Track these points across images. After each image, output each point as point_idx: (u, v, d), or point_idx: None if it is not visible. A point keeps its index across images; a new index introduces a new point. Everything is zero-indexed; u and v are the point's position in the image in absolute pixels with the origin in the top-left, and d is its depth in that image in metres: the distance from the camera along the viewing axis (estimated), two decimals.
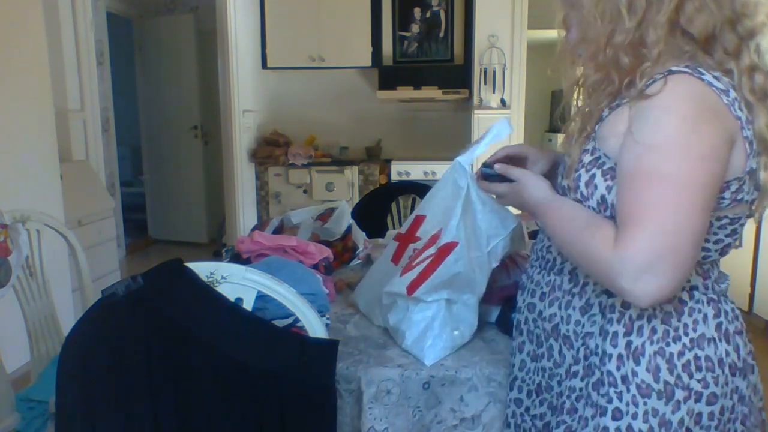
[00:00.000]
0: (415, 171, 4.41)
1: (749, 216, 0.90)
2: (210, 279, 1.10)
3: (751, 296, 3.45)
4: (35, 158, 2.98)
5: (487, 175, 1.10)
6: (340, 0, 4.53)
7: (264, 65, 4.70)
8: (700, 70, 0.83)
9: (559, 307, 0.99)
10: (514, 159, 1.15)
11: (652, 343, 0.89)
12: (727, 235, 0.90)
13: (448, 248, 1.20)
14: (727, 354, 0.91)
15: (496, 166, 1.09)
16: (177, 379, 1.04)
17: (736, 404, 0.92)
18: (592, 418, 0.92)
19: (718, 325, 0.91)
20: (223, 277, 1.11)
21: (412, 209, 2.74)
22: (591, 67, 0.93)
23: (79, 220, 3.58)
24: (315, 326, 1.13)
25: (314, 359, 1.09)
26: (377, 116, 4.91)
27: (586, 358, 0.95)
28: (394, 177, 4.44)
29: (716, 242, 0.90)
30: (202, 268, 1.09)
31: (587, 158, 0.92)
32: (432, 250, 1.22)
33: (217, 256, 4.29)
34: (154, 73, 5.46)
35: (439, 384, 1.15)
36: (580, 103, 0.99)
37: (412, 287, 1.21)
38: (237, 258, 1.56)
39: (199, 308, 1.06)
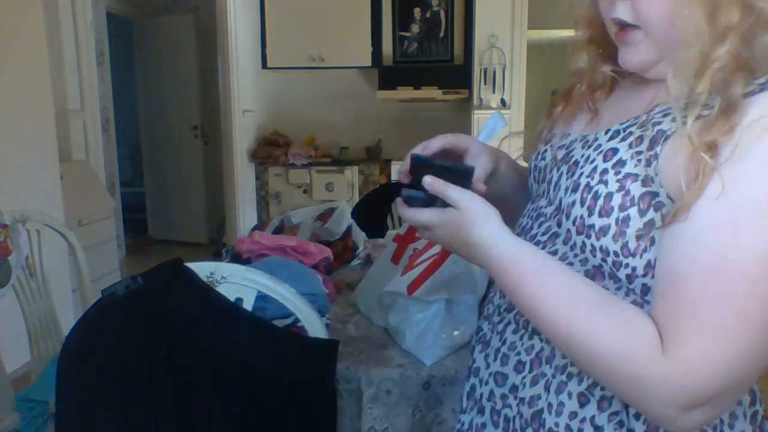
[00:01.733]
0: None
1: None
2: (210, 279, 1.10)
3: None
4: (35, 158, 2.98)
5: (410, 198, 0.71)
6: (340, 0, 4.53)
7: (264, 65, 4.70)
8: None
9: (546, 389, 0.69)
10: (451, 152, 0.81)
11: None
12: None
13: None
14: None
15: (425, 180, 0.69)
16: (177, 379, 1.04)
17: None
18: None
19: (753, 415, 0.69)
20: (223, 277, 1.11)
21: None
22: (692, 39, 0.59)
23: (79, 220, 3.58)
24: (315, 326, 1.13)
25: (314, 359, 1.09)
26: (377, 116, 4.91)
27: None
28: (394, 177, 4.44)
29: None
30: (202, 268, 1.09)
31: (638, 190, 0.61)
32: (435, 250, 1.22)
33: (217, 256, 4.29)
34: (154, 73, 5.47)
35: (439, 384, 1.15)
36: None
37: (413, 287, 1.21)
38: (237, 258, 1.56)
39: (199, 308, 1.06)
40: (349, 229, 1.92)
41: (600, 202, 0.63)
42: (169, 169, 5.56)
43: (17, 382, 1.85)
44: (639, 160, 0.62)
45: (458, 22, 4.55)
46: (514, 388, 0.73)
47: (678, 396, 0.55)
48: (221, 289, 1.09)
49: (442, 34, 4.59)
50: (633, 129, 0.65)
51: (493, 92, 4.23)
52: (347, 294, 1.60)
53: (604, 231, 0.63)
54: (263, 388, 1.07)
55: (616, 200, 0.62)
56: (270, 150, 4.59)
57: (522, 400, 0.72)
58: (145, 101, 5.60)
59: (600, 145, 0.67)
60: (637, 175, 0.62)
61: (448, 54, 4.60)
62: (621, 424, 0.65)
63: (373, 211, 2.69)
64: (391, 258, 1.39)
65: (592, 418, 0.66)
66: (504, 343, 0.75)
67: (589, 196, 0.64)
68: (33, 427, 1.54)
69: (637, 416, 0.65)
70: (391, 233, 2.35)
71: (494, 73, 4.20)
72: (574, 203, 0.66)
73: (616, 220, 0.62)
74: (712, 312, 0.54)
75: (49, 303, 1.80)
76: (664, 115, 0.63)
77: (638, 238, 0.61)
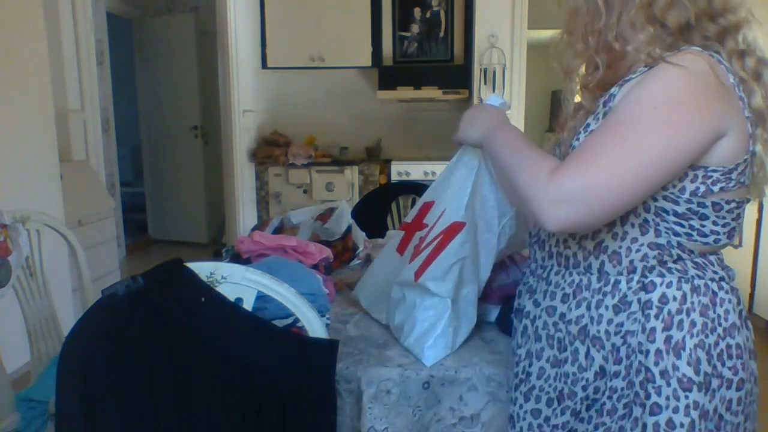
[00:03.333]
0: (415, 171, 4.41)
1: (747, 198, 0.94)
2: (210, 279, 1.10)
3: (751, 296, 3.45)
4: (35, 158, 2.98)
5: None
6: (340, 0, 4.53)
7: (264, 65, 4.70)
8: (711, 51, 0.87)
9: (588, 308, 0.95)
10: None
11: (692, 336, 0.89)
12: (734, 218, 0.92)
13: (455, 230, 1.19)
14: (748, 339, 0.94)
15: None
16: (177, 379, 1.04)
17: (753, 386, 0.96)
18: (641, 416, 0.91)
19: (740, 313, 0.94)
20: (223, 277, 1.11)
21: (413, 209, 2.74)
22: (572, 55, 0.98)
23: (79, 220, 3.58)
24: (315, 326, 1.13)
25: (314, 359, 1.09)
26: (377, 116, 4.91)
27: (627, 357, 0.93)
28: (394, 177, 4.44)
29: (724, 225, 0.91)
30: (202, 268, 1.09)
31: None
32: (438, 230, 1.22)
33: (217, 256, 4.29)
34: (154, 73, 5.47)
35: (439, 384, 1.15)
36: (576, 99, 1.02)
37: (419, 272, 1.21)
38: (237, 258, 1.56)
39: (199, 308, 1.06)
40: (349, 229, 1.92)
41: (570, 150, 0.96)
42: (169, 169, 5.56)
43: (17, 382, 1.85)
44: (595, 120, 0.93)
45: (458, 22, 4.55)
46: (562, 315, 0.99)
47: (547, 192, 0.83)
48: (221, 289, 1.09)
49: (442, 34, 4.59)
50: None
51: (493, 92, 4.23)
52: (347, 294, 1.60)
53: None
54: (263, 388, 1.07)
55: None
56: (270, 150, 4.59)
57: (569, 321, 0.97)
58: (145, 101, 5.60)
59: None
60: (594, 130, 0.92)
61: (448, 54, 4.60)
62: (636, 320, 0.92)
63: (373, 211, 2.69)
64: (396, 248, 1.38)
65: (620, 322, 0.93)
66: (550, 284, 1.01)
67: (570, 150, 0.97)
68: (33, 427, 1.54)
69: (656, 316, 0.91)
70: (391, 233, 2.35)
71: (494, 73, 4.20)
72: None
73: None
74: (585, 148, 0.85)
75: (49, 303, 1.80)
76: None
77: None
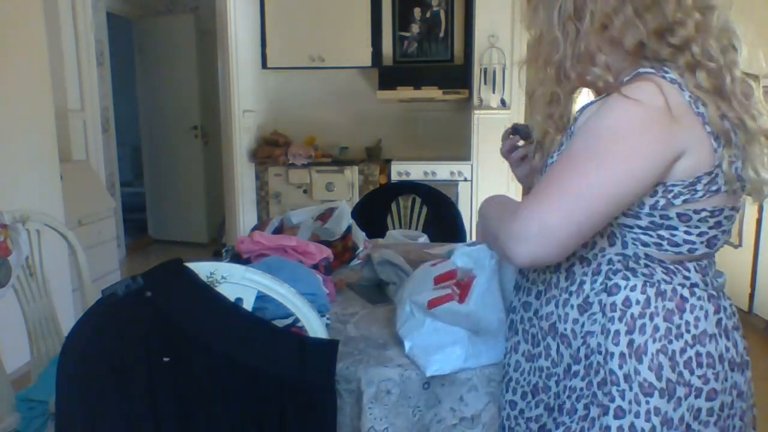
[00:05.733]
0: (415, 171, 4.41)
1: (732, 206, 0.92)
2: (210, 279, 1.10)
3: (751, 296, 3.45)
4: (35, 158, 2.98)
5: (517, 129, 1.24)
6: (340, 0, 4.53)
7: (264, 65, 4.70)
8: (665, 69, 0.89)
9: (556, 306, 0.98)
10: None
11: (654, 341, 0.89)
12: (710, 227, 0.90)
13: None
14: (727, 350, 0.92)
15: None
16: (177, 380, 1.04)
17: (735, 400, 0.93)
18: (598, 417, 0.91)
19: (718, 321, 0.92)
20: (223, 277, 1.11)
21: (412, 209, 2.74)
22: (536, 83, 1.01)
23: (79, 220, 3.58)
24: (315, 326, 1.13)
25: (314, 359, 1.09)
26: (377, 116, 4.91)
27: (587, 357, 0.94)
28: (394, 177, 4.44)
29: (700, 234, 0.90)
30: (202, 268, 1.09)
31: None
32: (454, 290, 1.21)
33: (217, 256, 4.29)
34: (154, 72, 5.47)
35: (439, 384, 1.15)
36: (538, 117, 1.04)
37: (433, 304, 1.19)
38: (237, 258, 1.56)
39: (199, 308, 1.07)
40: (349, 229, 1.92)
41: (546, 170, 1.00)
42: (169, 169, 5.56)
43: (17, 382, 1.85)
44: (567, 139, 0.96)
45: (458, 22, 4.55)
46: (536, 311, 1.02)
47: (510, 230, 0.86)
48: (221, 289, 1.09)
49: (442, 34, 4.59)
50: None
51: (493, 92, 4.23)
52: (347, 294, 1.60)
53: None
54: (263, 388, 1.07)
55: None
56: (270, 150, 4.59)
57: (541, 317, 1.01)
58: (145, 101, 5.60)
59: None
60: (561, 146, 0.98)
61: (448, 54, 4.60)
62: (595, 321, 0.94)
63: (373, 211, 2.69)
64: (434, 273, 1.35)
65: (583, 322, 0.95)
66: (528, 280, 1.06)
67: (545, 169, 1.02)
68: (33, 427, 1.54)
69: (620, 318, 0.91)
70: (391, 233, 2.35)
71: (494, 73, 4.20)
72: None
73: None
74: (542, 185, 0.88)
75: (49, 303, 1.80)
76: None
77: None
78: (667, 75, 0.88)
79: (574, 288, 0.96)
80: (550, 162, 0.98)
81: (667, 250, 0.91)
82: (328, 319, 1.33)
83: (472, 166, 4.30)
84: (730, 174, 0.88)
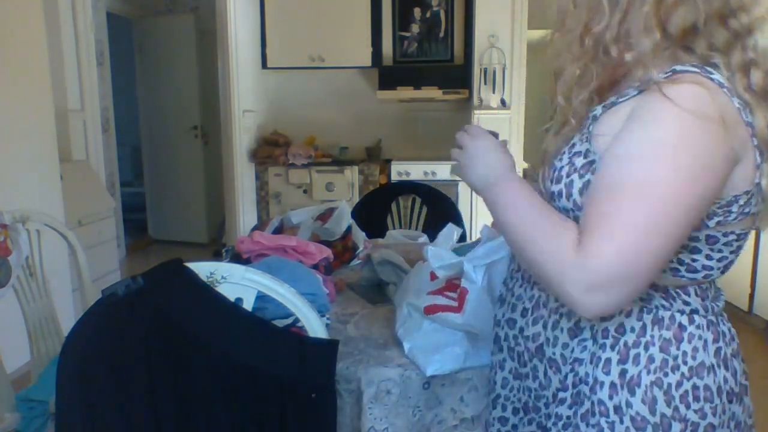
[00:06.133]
0: (415, 171, 4.41)
1: (753, 229, 0.84)
2: (210, 279, 1.10)
3: (751, 296, 3.45)
4: (35, 158, 2.98)
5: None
6: (340, 0, 4.53)
7: (264, 65, 4.70)
8: (708, 69, 0.76)
9: (545, 327, 0.89)
10: None
11: (649, 372, 0.81)
12: (732, 252, 0.82)
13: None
14: (725, 381, 0.84)
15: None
16: (177, 380, 1.04)
17: (733, 431, 0.87)
18: None
19: (717, 351, 0.84)
20: (223, 277, 1.11)
21: (412, 209, 2.74)
22: (567, 59, 0.86)
23: (79, 220, 3.58)
24: (315, 326, 1.13)
25: (314, 359, 1.09)
26: (377, 116, 4.91)
27: (574, 385, 0.86)
28: (394, 177, 4.44)
29: (720, 260, 0.82)
30: (202, 268, 1.09)
31: (580, 162, 0.82)
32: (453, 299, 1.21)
33: (217, 256, 4.29)
34: (154, 73, 5.46)
35: (439, 384, 1.15)
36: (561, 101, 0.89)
37: (430, 310, 1.20)
38: (237, 258, 1.56)
39: (199, 308, 1.06)
40: (349, 229, 1.92)
41: (555, 173, 0.85)
42: (169, 169, 5.56)
43: (17, 382, 1.85)
44: (581, 140, 0.84)
45: (458, 22, 4.55)
46: (521, 329, 0.93)
47: (582, 277, 0.72)
48: (221, 289, 1.09)
49: (442, 34, 4.59)
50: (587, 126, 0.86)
51: (493, 92, 4.23)
52: (347, 294, 1.60)
53: (560, 194, 0.84)
54: (263, 388, 1.07)
55: (564, 171, 0.84)
56: (270, 150, 4.59)
57: (527, 337, 0.92)
58: (145, 101, 5.60)
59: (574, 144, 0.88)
60: (580, 152, 0.83)
61: (448, 54, 4.60)
62: (585, 348, 0.86)
63: (373, 211, 2.69)
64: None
65: (573, 348, 0.87)
66: (513, 295, 0.96)
67: (555, 174, 0.85)
68: (33, 427, 1.54)
69: (612, 346, 0.83)
70: (391, 233, 2.35)
71: (494, 73, 4.20)
72: (551, 179, 0.87)
73: (565, 184, 0.83)
74: (611, 218, 0.73)
75: (49, 303, 1.80)
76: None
77: (581, 194, 0.81)
78: (713, 76, 0.75)
79: (565, 310, 0.86)
80: (558, 159, 0.85)
81: (683, 277, 0.82)
82: (328, 319, 1.33)
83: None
84: (765, 189, 0.78)
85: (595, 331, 0.84)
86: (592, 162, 0.81)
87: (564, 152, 0.85)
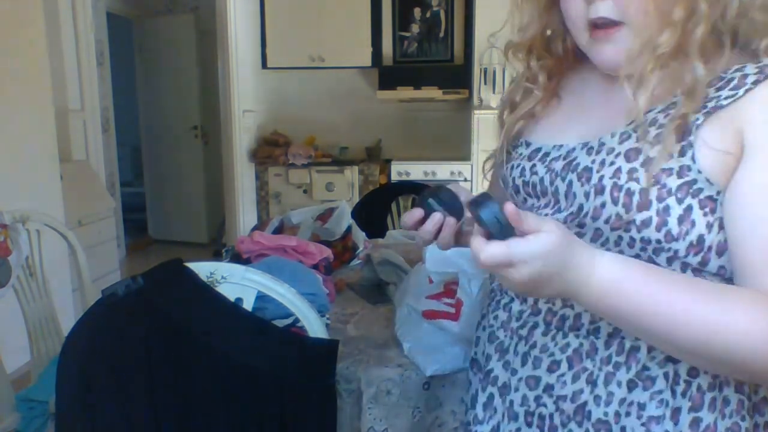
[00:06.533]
0: (415, 171, 4.41)
1: None
2: (210, 279, 1.10)
3: None
4: (35, 158, 2.98)
5: (480, 219, 0.59)
6: (340, 0, 4.53)
7: (264, 65, 4.70)
8: None
9: (591, 383, 0.72)
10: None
11: (724, 417, 0.68)
12: None
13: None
14: None
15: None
16: (177, 380, 1.04)
17: None
18: None
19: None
20: (223, 277, 1.11)
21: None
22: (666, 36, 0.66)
23: (79, 220, 3.58)
24: (315, 326, 1.13)
25: (314, 359, 1.09)
26: (377, 116, 4.91)
27: None
28: (394, 177, 4.44)
29: None
30: (202, 268, 1.09)
31: (674, 182, 0.65)
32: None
33: (217, 256, 4.29)
34: (154, 73, 5.47)
35: (439, 385, 1.15)
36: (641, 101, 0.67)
37: (429, 315, 1.20)
38: (237, 258, 1.56)
39: (199, 308, 1.06)
40: (349, 229, 1.92)
41: (636, 198, 0.66)
42: (169, 169, 5.56)
43: (17, 382, 1.85)
44: (670, 155, 0.65)
45: (458, 22, 4.55)
46: (549, 387, 0.75)
47: None
48: (221, 289, 1.09)
49: (442, 34, 4.59)
50: (646, 126, 0.67)
51: (493, 92, 4.23)
52: (347, 294, 1.60)
53: (646, 223, 0.66)
54: (263, 388, 1.07)
55: (653, 194, 0.65)
56: (270, 150, 4.59)
57: (561, 397, 0.73)
58: (145, 101, 5.60)
59: (613, 149, 0.70)
60: (671, 169, 0.65)
61: (448, 54, 4.60)
62: (662, 402, 0.69)
63: (373, 211, 2.69)
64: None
65: (640, 401, 0.69)
66: (534, 346, 0.76)
67: (621, 194, 0.67)
68: (33, 427, 1.54)
69: (683, 393, 0.69)
70: (391, 233, 2.35)
71: (494, 73, 4.20)
72: (603, 204, 0.68)
73: (657, 211, 0.65)
74: None
75: (49, 303, 1.80)
76: (671, 108, 0.67)
77: (680, 223, 0.65)
78: None
79: (622, 358, 0.70)
80: (638, 184, 0.66)
81: None
82: (328, 319, 1.33)
83: (472, 166, 4.30)
84: None
85: (670, 379, 0.69)
86: (693, 183, 0.65)
87: (621, 169, 0.67)
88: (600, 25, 0.70)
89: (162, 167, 5.59)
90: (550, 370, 0.74)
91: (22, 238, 1.70)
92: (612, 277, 0.61)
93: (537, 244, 0.58)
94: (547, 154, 0.78)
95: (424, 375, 1.14)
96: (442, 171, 4.35)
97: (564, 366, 0.73)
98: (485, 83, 4.23)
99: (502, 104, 0.89)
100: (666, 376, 0.69)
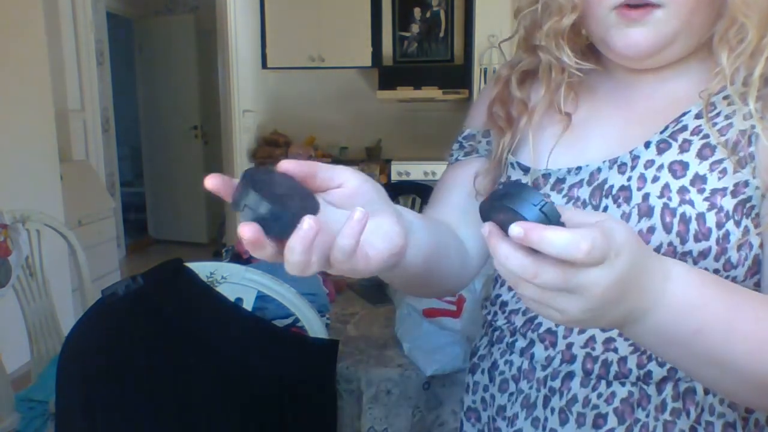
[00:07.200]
0: (415, 171, 4.41)
1: None
2: (210, 279, 1.10)
3: None
4: (35, 158, 2.98)
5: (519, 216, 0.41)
6: (340, 0, 4.53)
7: (264, 65, 4.70)
8: None
9: None
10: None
11: None
12: None
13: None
14: None
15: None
16: (177, 379, 1.04)
17: None
18: None
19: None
20: (223, 277, 1.11)
21: (412, 209, 2.74)
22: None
23: (79, 220, 3.58)
24: (315, 326, 1.13)
25: (314, 359, 1.09)
26: (377, 116, 4.91)
27: None
28: (394, 177, 4.44)
29: None
30: (202, 268, 1.09)
31: (729, 203, 0.57)
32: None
33: (217, 256, 4.29)
34: (154, 73, 5.46)
35: (439, 384, 1.15)
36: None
37: (430, 314, 1.20)
38: (237, 258, 1.56)
39: (199, 308, 1.06)
40: None
41: (693, 226, 0.57)
42: (169, 169, 5.56)
43: (17, 382, 1.85)
44: (722, 171, 0.57)
45: (458, 22, 4.55)
46: None
47: None
48: (221, 289, 1.09)
49: (442, 34, 4.59)
50: (686, 135, 0.60)
51: None
52: (347, 294, 1.60)
53: (704, 254, 0.57)
54: (263, 388, 1.07)
55: (711, 220, 0.57)
56: (270, 150, 4.59)
57: None
58: (145, 101, 5.60)
59: (653, 161, 0.60)
60: (725, 189, 0.57)
61: (448, 54, 4.60)
62: None
63: None
64: None
65: None
66: (574, 400, 0.64)
67: (675, 221, 0.57)
68: (33, 427, 1.54)
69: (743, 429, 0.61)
70: None
71: (494, 73, 4.20)
72: (652, 230, 0.58)
73: (717, 239, 0.57)
74: None
75: (49, 303, 1.80)
76: (716, 112, 0.59)
77: (739, 249, 0.57)
78: None
79: (679, 404, 0.61)
80: (693, 208, 0.57)
81: None
82: (328, 319, 1.33)
83: None
84: None
85: (728, 426, 0.61)
86: (748, 201, 0.57)
87: (669, 186, 0.59)
88: (634, 5, 0.58)
89: (162, 167, 5.59)
90: (596, 425, 0.63)
91: (22, 238, 1.70)
92: (693, 290, 0.46)
93: (619, 230, 0.41)
94: (561, 180, 0.65)
95: (424, 375, 1.14)
96: (442, 171, 4.34)
97: (612, 420, 0.62)
98: (485, 83, 4.23)
99: (499, 83, 0.74)
100: (727, 424, 0.60)
